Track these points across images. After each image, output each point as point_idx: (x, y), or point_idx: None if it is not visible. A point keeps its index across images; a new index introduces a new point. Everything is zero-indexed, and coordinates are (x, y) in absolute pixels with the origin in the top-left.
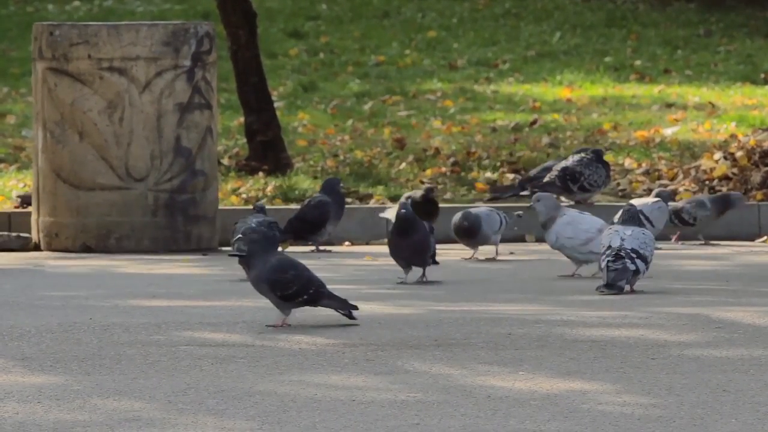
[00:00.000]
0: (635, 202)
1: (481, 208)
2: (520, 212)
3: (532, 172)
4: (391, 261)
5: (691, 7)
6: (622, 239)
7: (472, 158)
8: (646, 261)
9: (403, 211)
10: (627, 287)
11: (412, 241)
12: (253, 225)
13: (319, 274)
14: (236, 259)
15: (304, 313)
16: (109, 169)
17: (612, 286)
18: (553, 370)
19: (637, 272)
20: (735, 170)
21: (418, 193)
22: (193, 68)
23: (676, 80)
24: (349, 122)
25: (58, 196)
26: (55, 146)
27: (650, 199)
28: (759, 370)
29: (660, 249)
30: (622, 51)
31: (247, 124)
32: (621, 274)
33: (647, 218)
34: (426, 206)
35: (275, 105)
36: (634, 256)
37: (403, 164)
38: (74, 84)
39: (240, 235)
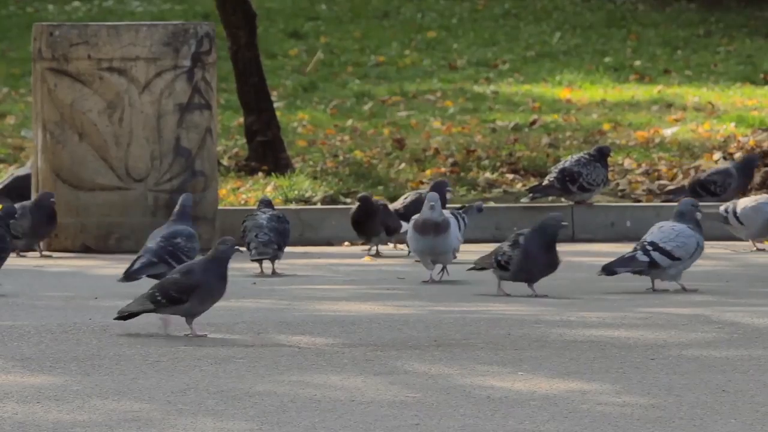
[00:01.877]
0: (742, 200)
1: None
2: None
3: (702, 175)
4: (390, 261)
5: (691, 8)
6: (652, 232)
7: (472, 158)
8: (671, 256)
9: (554, 221)
10: (651, 284)
11: (551, 257)
12: (264, 221)
13: (317, 274)
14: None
15: (303, 313)
16: (108, 170)
17: (607, 269)
18: (553, 371)
19: (654, 265)
20: None
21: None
22: (193, 68)
23: (676, 80)
24: (349, 122)
25: (58, 197)
26: (54, 146)
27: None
28: (758, 371)
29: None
30: (622, 51)
31: (246, 124)
32: (622, 262)
33: (737, 218)
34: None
35: (275, 105)
36: (650, 248)
37: (403, 164)
38: (74, 84)
39: (255, 237)
